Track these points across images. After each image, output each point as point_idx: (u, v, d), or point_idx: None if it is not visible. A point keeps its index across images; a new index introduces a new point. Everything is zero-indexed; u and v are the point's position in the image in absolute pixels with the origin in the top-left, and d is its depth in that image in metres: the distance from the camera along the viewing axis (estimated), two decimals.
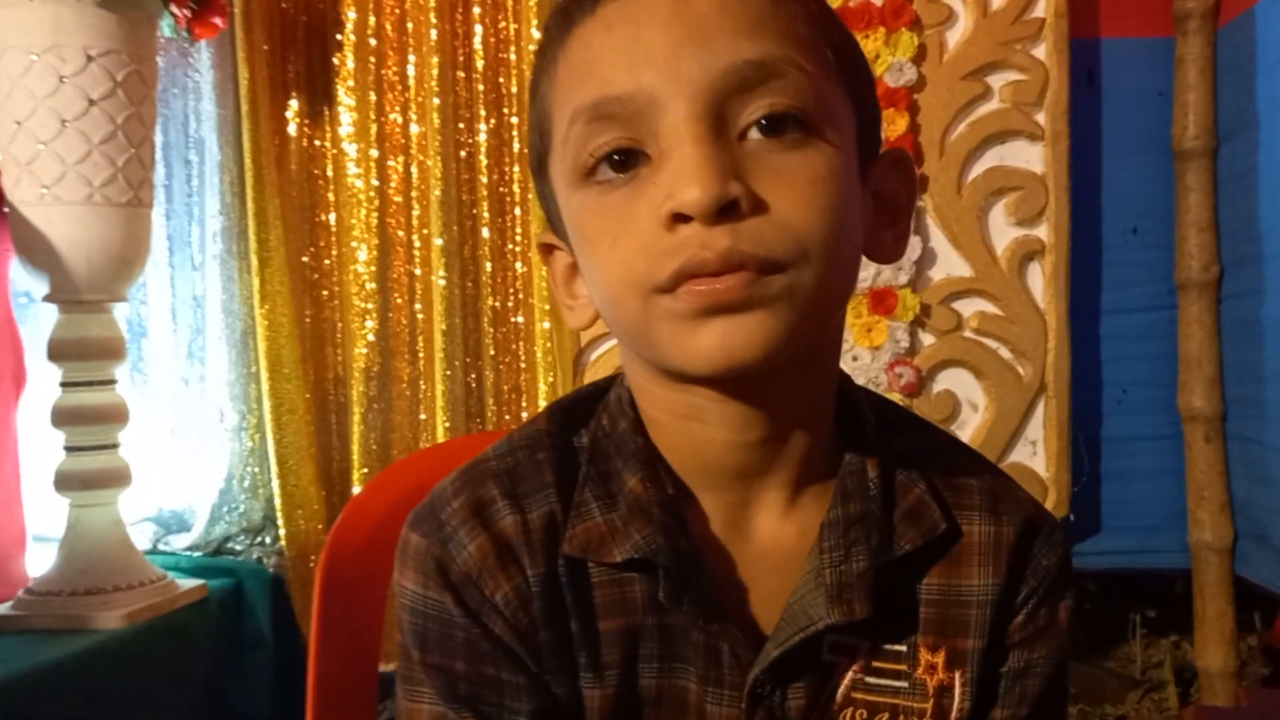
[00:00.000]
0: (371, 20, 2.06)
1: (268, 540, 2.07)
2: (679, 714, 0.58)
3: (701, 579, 0.57)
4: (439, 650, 0.58)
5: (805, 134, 0.53)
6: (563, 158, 0.56)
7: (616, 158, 0.53)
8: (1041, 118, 1.96)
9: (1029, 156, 1.97)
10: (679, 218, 0.51)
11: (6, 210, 1.63)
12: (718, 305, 0.51)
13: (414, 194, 2.09)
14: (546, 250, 0.63)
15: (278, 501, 2.05)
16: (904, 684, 0.59)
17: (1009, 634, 0.61)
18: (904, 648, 0.59)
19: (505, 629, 0.57)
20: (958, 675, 0.59)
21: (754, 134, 0.52)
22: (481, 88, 2.06)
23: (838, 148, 0.54)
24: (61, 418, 1.66)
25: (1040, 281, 1.98)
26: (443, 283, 2.04)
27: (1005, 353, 1.98)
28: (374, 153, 2.08)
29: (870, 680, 0.59)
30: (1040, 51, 1.95)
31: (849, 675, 0.59)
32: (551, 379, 2.04)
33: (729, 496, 0.59)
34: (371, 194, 2.08)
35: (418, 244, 2.09)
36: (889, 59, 1.92)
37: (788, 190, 0.52)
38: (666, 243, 0.51)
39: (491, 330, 2.09)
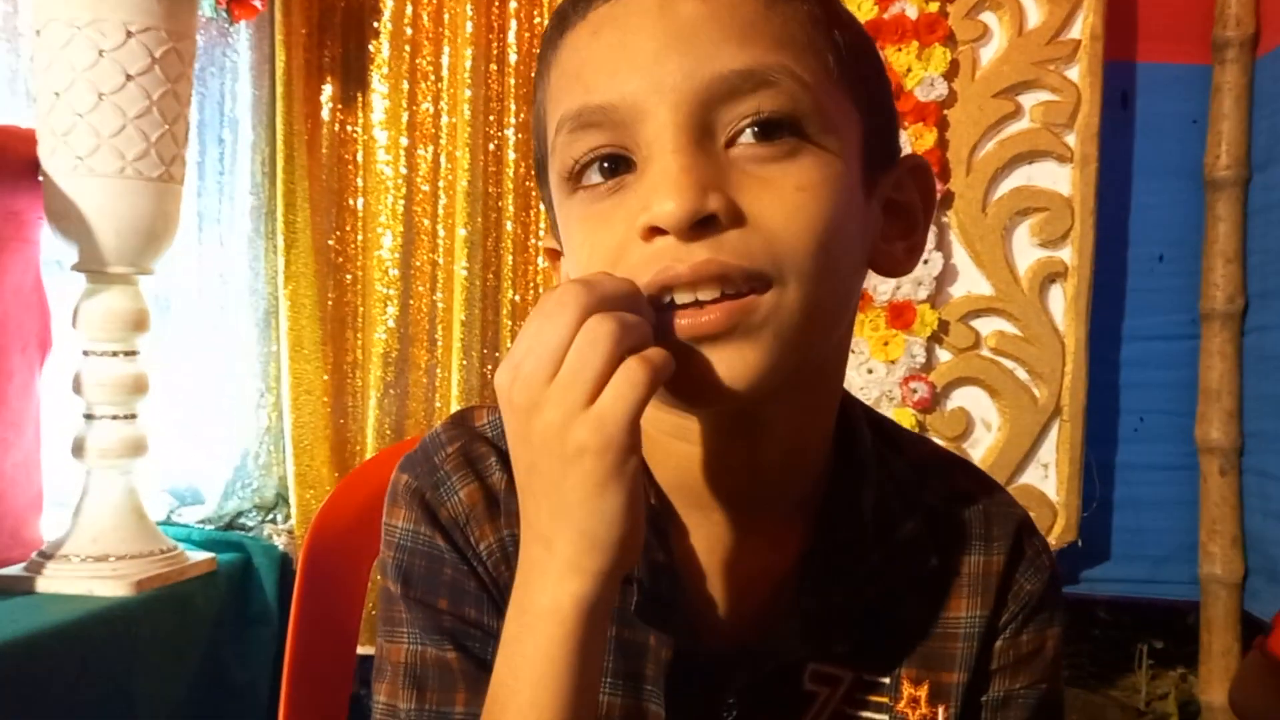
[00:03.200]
0: (409, 9, 2.08)
1: (279, 518, 2.09)
2: None
3: (676, 596, 0.56)
4: (423, 585, 0.58)
5: (799, 141, 0.50)
6: (553, 165, 0.55)
7: (605, 164, 0.52)
8: (1071, 139, 1.95)
9: (1057, 178, 1.96)
10: (655, 231, 0.49)
11: (40, 179, 1.65)
12: (698, 336, 0.49)
13: (441, 184, 2.11)
14: (553, 255, 0.62)
15: (291, 480, 2.07)
16: (885, 717, 0.58)
17: (991, 657, 0.60)
18: (887, 680, 0.58)
19: (487, 577, 0.57)
20: (941, 710, 0.58)
21: (744, 140, 0.50)
22: (513, 81, 2.08)
23: (836, 155, 0.51)
24: (83, 385, 1.69)
25: (1061, 304, 1.97)
26: (464, 273, 2.06)
27: (1022, 373, 1.98)
28: (404, 141, 2.10)
29: (851, 712, 0.58)
30: (1074, 73, 1.94)
31: (831, 707, 0.58)
32: None
33: (714, 517, 0.57)
34: (399, 181, 2.10)
35: (442, 233, 2.11)
36: (921, 73, 1.92)
37: (774, 198, 0.49)
38: (641, 254, 0.50)
39: (510, 322, 2.10)
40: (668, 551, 0.56)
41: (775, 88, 0.50)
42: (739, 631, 0.58)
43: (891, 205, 0.57)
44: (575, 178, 0.53)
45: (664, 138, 0.50)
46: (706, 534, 0.58)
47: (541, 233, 2.11)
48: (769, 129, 0.50)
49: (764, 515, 0.58)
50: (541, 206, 2.11)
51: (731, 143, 0.50)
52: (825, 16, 0.53)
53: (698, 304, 0.49)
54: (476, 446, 0.60)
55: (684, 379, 0.50)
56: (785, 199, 0.50)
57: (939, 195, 1.93)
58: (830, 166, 0.51)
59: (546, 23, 2.05)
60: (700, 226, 0.48)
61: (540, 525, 0.50)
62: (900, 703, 0.58)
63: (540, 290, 2.11)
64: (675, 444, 0.56)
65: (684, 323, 0.49)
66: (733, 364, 0.49)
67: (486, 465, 0.59)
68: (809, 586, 0.56)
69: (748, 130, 0.50)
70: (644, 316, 0.49)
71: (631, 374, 0.47)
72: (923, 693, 0.58)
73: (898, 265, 0.58)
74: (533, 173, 2.09)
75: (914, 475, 0.61)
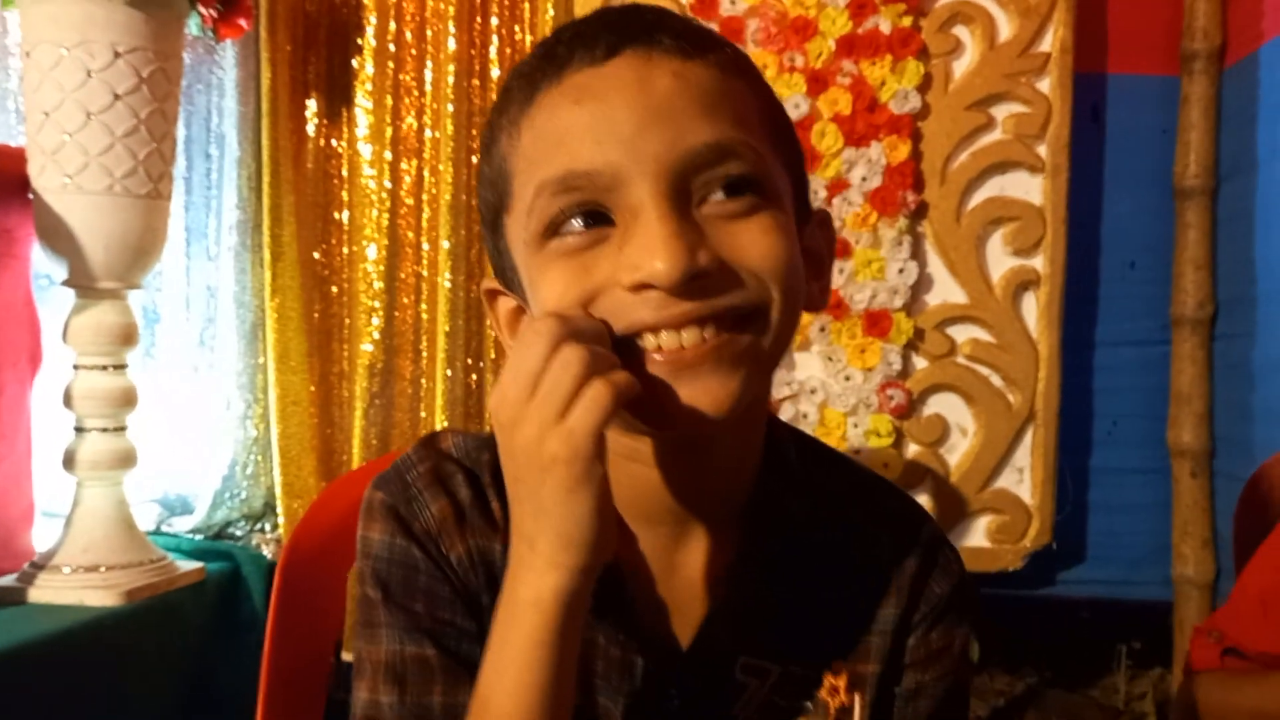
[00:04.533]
0: (392, 26, 2.11)
1: (267, 528, 2.11)
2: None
3: (624, 599, 0.62)
4: (401, 591, 0.63)
5: (757, 198, 0.58)
6: (525, 224, 0.59)
7: (583, 219, 0.57)
8: (1043, 150, 1.99)
9: (1029, 188, 2.00)
10: (645, 286, 0.56)
11: (30, 196, 1.68)
12: (681, 367, 0.56)
13: (425, 197, 2.14)
14: (491, 296, 0.67)
15: (278, 490, 2.09)
16: (809, 703, 0.64)
17: (905, 652, 0.67)
18: (810, 671, 0.64)
19: (458, 582, 0.63)
20: (858, 698, 0.64)
21: (714, 199, 0.57)
22: (495, 97, 2.10)
23: (781, 210, 0.59)
24: (73, 398, 1.71)
25: (1034, 311, 2.00)
26: (448, 285, 2.09)
27: (996, 380, 2.01)
28: (388, 155, 2.13)
29: (778, 700, 0.64)
30: (1045, 85, 1.98)
31: (760, 696, 0.63)
32: None
33: (661, 529, 0.64)
34: (384, 195, 2.13)
35: (426, 246, 2.14)
36: (895, 86, 1.96)
37: (748, 243, 0.57)
38: (623, 300, 0.57)
39: (494, 333, 2.13)
40: (617, 561, 0.62)
41: (739, 157, 0.57)
42: (681, 629, 0.64)
43: (807, 252, 0.63)
44: (556, 230, 0.58)
45: (648, 204, 0.56)
46: (654, 544, 0.64)
47: None
48: (734, 190, 0.57)
49: (706, 525, 0.64)
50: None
51: (703, 202, 0.57)
52: (764, 94, 0.62)
53: (680, 349, 0.56)
54: (446, 466, 0.65)
55: (669, 410, 0.56)
56: (756, 241, 0.57)
57: (914, 205, 1.97)
58: (781, 217, 0.59)
59: (528, 38, 2.09)
60: (692, 282, 0.55)
61: (525, 527, 0.56)
62: (822, 690, 0.64)
63: None
64: (628, 464, 0.62)
65: (661, 359, 0.56)
66: (716, 392, 0.56)
67: (455, 483, 0.65)
68: (741, 586, 0.63)
69: (718, 191, 0.57)
70: (609, 349, 0.55)
71: (596, 393, 0.53)
72: (842, 682, 0.64)
73: (814, 303, 0.65)
74: None
75: (840, 489, 0.68)
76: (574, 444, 0.53)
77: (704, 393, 0.55)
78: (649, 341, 0.57)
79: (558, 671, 0.56)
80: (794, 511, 0.65)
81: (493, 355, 2.13)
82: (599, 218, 0.57)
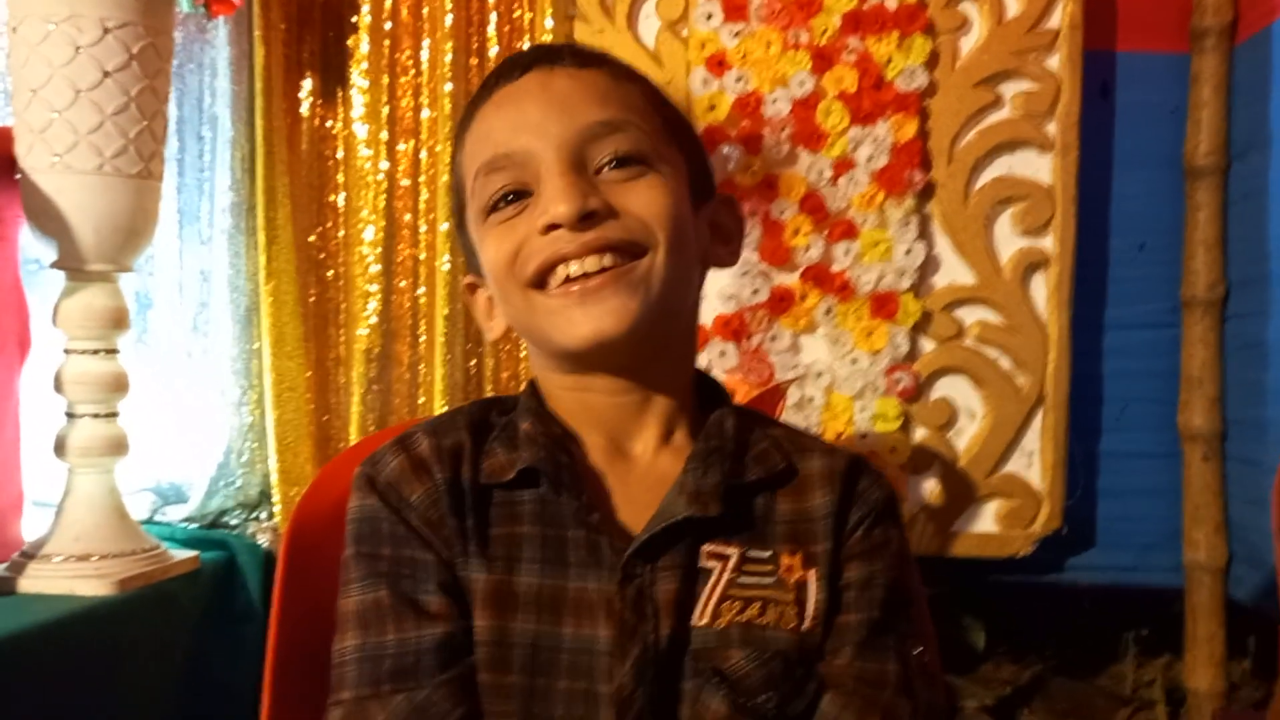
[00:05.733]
0: (388, 3, 2.07)
1: (263, 516, 2.08)
2: (556, 605, 0.70)
3: (580, 486, 0.72)
4: (369, 542, 0.72)
5: (644, 167, 0.72)
6: (472, 205, 0.75)
7: (509, 196, 0.72)
8: (1052, 129, 1.96)
9: (1037, 167, 1.97)
10: (551, 227, 0.70)
11: (18, 177, 1.64)
12: (588, 293, 0.69)
13: (422, 178, 2.10)
14: (471, 289, 0.82)
15: (274, 478, 2.06)
16: (770, 580, 0.73)
17: (848, 548, 0.75)
18: (768, 554, 0.73)
19: (419, 520, 0.71)
20: (812, 573, 0.73)
21: (606, 170, 0.72)
22: None
23: (670, 177, 0.73)
24: (63, 384, 1.68)
25: (1043, 293, 1.98)
26: (446, 268, 2.05)
27: (1005, 363, 1.98)
28: (384, 136, 2.09)
29: (742, 580, 0.72)
30: (1053, 62, 1.95)
31: (725, 577, 0.72)
32: None
33: (610, 433, 0.76)
34: (380, 176, 2.09)
35: (424, 228, 2.10)
36: (901, 63, 1.92)
37: (635, 197, 0.71)
38: (539, 243, 0.70)
39: None
40: (571, 457, 0.74)
41: (625, 133, 0.72)
42: (638, 516, 0.73)
43: (715, 226, 0.79)
44: (493, 208, 0.74)
45: (552, 169, 0.71)
46: (605, 446, 0.76)
47: None
48: (624, 160, 0.72)
49: (650, 431, 0.77)
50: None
51: (598, 172, 0.72)
52: (653, 93, 0.77)
53: (585, 275, 0.69)
54: (410, 433, 0.76)
55: (578, 331, 0.70)
56: (641, 194, 0.72)
57: (921, 184, 1.94)
58: (669, 180, 0.73)
59: (527, 16, 2.06)
60: (586, 220, 0.69)
61: None
62: (780, 569, 0.73)
63: None
64: (577, 394, 0.76)
65: (576, 288, 0.70)
66: (618, 311, 0.70)
67: (413, 440, 0.74)
68: (690, 470, 0.74)
69: (610, 160, 0.72)
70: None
71: None
72: (796, 560, 0.73)
73: (723, 261, 0.80)
74: None
75: (767, 426, 0.80)
76: None
77: (610, 313, 0.69)
78: (561, 273, 0.70)
79: None
80: (729, 424, 0.76)
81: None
82: (520, 195, 0.72)
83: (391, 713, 0.67)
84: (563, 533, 0.72)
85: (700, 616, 0.71)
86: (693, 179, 0.77)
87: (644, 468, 0.76)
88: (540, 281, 0.71)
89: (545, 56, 0.75)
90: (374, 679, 0.68)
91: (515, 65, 0.75)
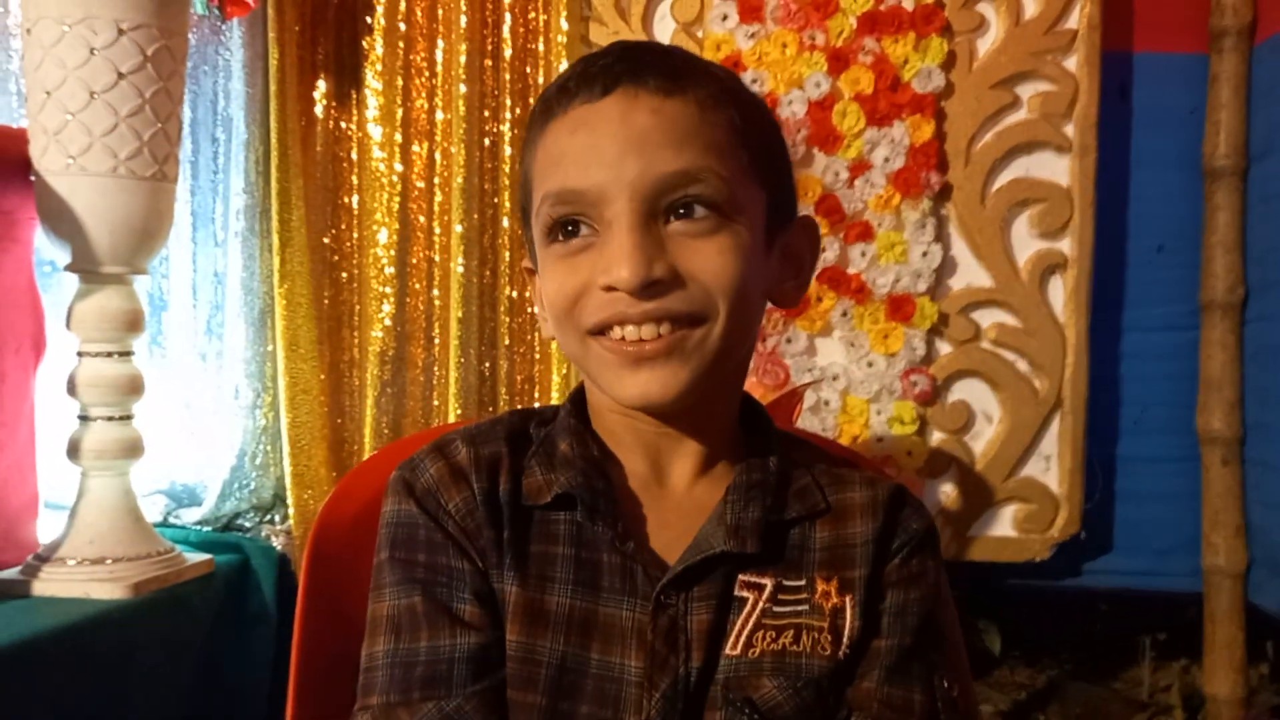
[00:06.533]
0: (402, 5, 2.07)
1: (276, 519, 2.07)
2: (586, 628, 0.70)
3: (616, 512, 0.72)
4: (404, 548, 0.72)
5: (718, 219, 0.69)
6: (536, 225, 0.73)
7: (569, 228, 0.70)
8: (1070, 130, 1.95)
9: (1055, 169, 1.96)
10: (611, 288, 0.68)
11: (32, 179, 1.64)
12: (641, 358, 0.69)
13: (436, 180, 2.09)
14: (528, 273, 0.80)
15: (288, 481, 2.05)
16: (805, 607, 0.72)
17: (886, 575, 0.74)
18: (802, 581, 0.73)
19: (455, 528, 0.71)
20: (848, 599, 0.72)
21: (679, 217, 0.69)
22: (508, 77, 2.06)
23: (744, 227, 0.70)
24: (77, 386, 1.67)
25: (1061, 295, 1.96)
26: (461, 270, 2.05)
27: (1023, 365, 1.97)
28: (398, 137, 2.08)
29: (776, 609, 0.72)
30: (1071, 63, 1.94)
31: (760, 607, 0.72)
32: (565, 371, 2.04)
33: (651, 458, 0.75)
34: (394, 178, 2.09)
35: (438, 230, 2.10)
36: (918, 64, 1.91)
37: (703, 260, 0.69)
38: (599, 300, 0.69)
39: (507, 319, 2.09)
40: (608, 481, 0.73)
41: (704, 182, 0.69)
42: (673, 544, 0.72)
43: (788, 254, 0.77)
44: (553, 233, 0.72)
45: (621, 219, 0.68)
46: (645, 471, 0.75)
47: None
48: (696, 212, 0.69)
49: (690, 459, 0.76)
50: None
51: (670, 220, 0.69)
52: (743, 122, 0.72)
53: (640, 340, 0.68)
54: (447, 439, 0.75)
55: (627, 391, 0.69)
56: (710, 260, 0.69)
57: (938, 186, 1.92)
58: (740, 236, 0.70)
59: (542, 18, 2.05)
60: (648, 288, 0.67)
61: None
62: (815, 595, 0.72)
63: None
64: (623, 418, 0.75)
65: (629, 349, 0.69)
66: (666, 380, 0.69)
67: (453, 448, 0.74)
68: (730, 503, 0.73)
69: (683, 209, 0.69)
70: None
71: None
72: (833, 587, 0.73)
73: (788, 300, 0.78)
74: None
75: (807, 459, 0.79)
76: None
77: (657, 380, 0.69)
78: (616, 332, 0.69)
79: None
80: (773, 462, 0.75)
81: (506, 342, 2.09)
82: (583, 228, 0.70)
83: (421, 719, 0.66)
84: (597, 556, 0.72)
85: (733, 646, 0.71)
86: (771, 210, 0.74)
87: (680, 494, 0.75)
88: (598, 330, 0.70)
89: (629, 75, 0.70)
90: (404, 685, 0.68)
91: (596, 80, 0.70)
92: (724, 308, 0.69)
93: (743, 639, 0.71)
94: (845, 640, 0.71)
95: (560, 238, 0.71)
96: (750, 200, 0.72)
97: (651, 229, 0.68)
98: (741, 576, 0.72)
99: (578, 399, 0.78)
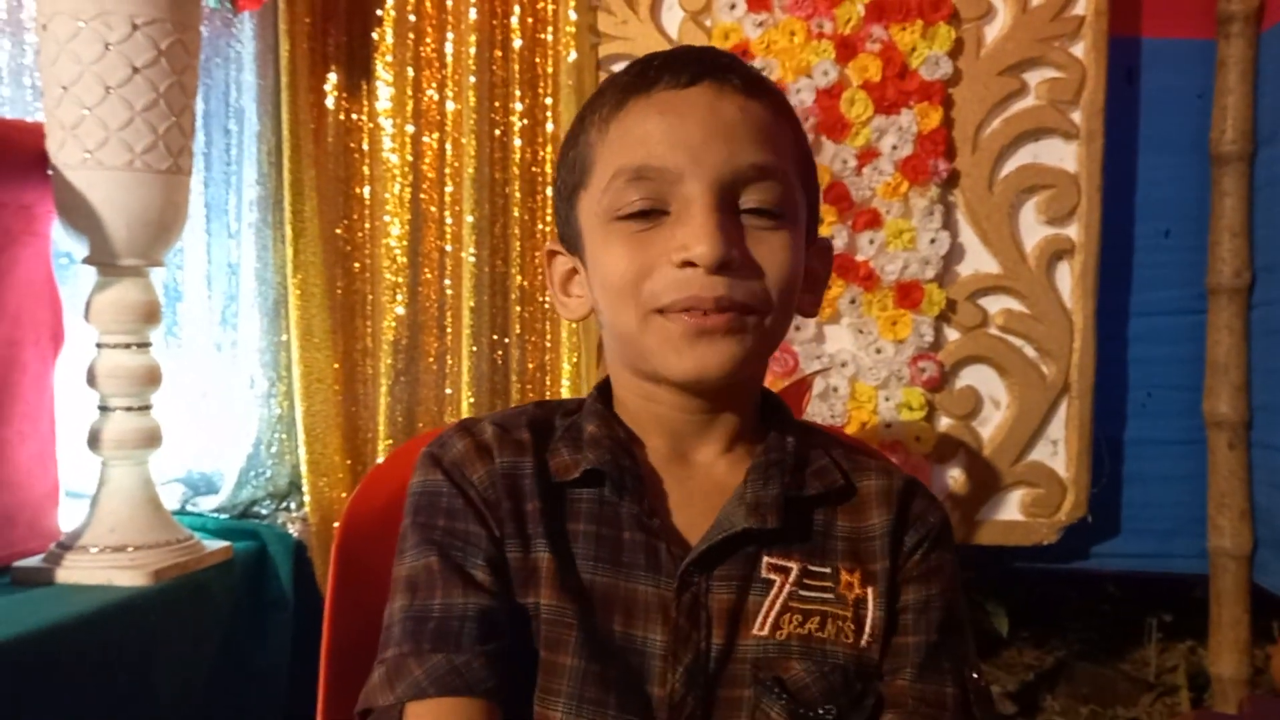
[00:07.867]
0: None
1: (292, 506, 2.10)
2: (608, 602, 0.72)
3: (641, 490, 0.74)
4: (425, 513, 0.74)
5: (782, 220, 0.73)
6: (599, 199, 0.74)
7: (643, 210, 0.72)
8: (1077, 116, 1.95)
9: (1062, 155, 1.96)
10: (689, 264, 0.70)
11: (50, 173, 1.66)
12: (704, 331, 0.71)
13: (447, 170, 2.11)
14: (550, 255, 0.81)
15: (303, 468, 2.07)
16: (830, 596, 0.74)
17: (906, 571, 0.77)
18: (828, 570, 0.75)
19: (477, 496, 0.74)
20: (870, 590, 0.75)
21: (752, 210, 0.72)
22: (517, 67, 2.08)
23: (797, 231, 0.75)
24: (96, 377, 1.70)
25: (1068, 281, 1.97)
26: (473, 259, 2.07)
27: (1030, 351, 1.98)
28: (410, 128, 2.10)
29: (803, 593, 0.74)
30: (1079, 49, 1.94)
31: (787, 589, 0.74)
32: (576, 359, 2.06)
33: (674, 439, 0.78)
34: (406, 169, 2.10)
35: (449, 220, 2.11)
36: (925, 51, 1.92)
37: (768, 256, 0.72)
38: (671, 276, 0.71)
39: (519, 308, 2.11)
40: (634, 460, 0.75)
41: (776, 181, 0.73)
42: (697, 522, 0.74)
43: (808, 272, 0.79)
44: (624, 214, 0.72)
45: (702, 199, 0.70)
46: (668, 453, 0.77)
47: (549, 217, 2.11)
48: (767, 210, 0.72)
49: (713, 443, 0.78)
50: (549, 190, 2.11)
51: (742, 211, 0.72)
52: (799, 134, 0.78)
53: (704, 313, 0.70)
54: (475, 419, 0.79)
55: (685, 363, 0.71)
56: (775, 257, 0.72)
57: (945, 173, 1.93)
58: (797, 237, 0.74)
59: (550, 8, 2.06)
60: (723, 268, 0.70)
61: None
62: (840, 586, 0.74)
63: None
64: (646, 403, 0.77)
65: (694, 322, 0.70)
66: (722, 354, 0.71)
67: (479, 428, 0.77)
68: (750, 482, 0.75)
69: (755, 205, 0.72)
70: None
71: None
72: (855, 578, 0.75)
73: (806, 310, 0.80)
74: (537, 157, 2.12)
75: (824, 442, 0.81)
76: None
77: (715, 354, 0.71)
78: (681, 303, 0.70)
79: None
80: (791, 442, 0.78)
81: (518, 330, 2.11)
82: (655, 212, 0.71)
83: (429, 670, 0.68)
84: (619, 534, 0.74)
85: (760, 627, 0.73)
86: (809, 223, 0.78)
87: (703, 474, 0.77)
88: (666, 309, 0.71)
89: (715, 70, 0.73)
90: (416, 637, 0.70)
91: (683, 69, 0.73)
92: (779, 302, 0.72)
93: (770, 620, 0.73)
94: (867, 631, 0.74)
95: (629, 215, 0.72)
96: (801, 207, 0.75)
97: (730, 215, 0.71)
98: (767, 558, 0.74)
99: (604, 388, 0.80)
